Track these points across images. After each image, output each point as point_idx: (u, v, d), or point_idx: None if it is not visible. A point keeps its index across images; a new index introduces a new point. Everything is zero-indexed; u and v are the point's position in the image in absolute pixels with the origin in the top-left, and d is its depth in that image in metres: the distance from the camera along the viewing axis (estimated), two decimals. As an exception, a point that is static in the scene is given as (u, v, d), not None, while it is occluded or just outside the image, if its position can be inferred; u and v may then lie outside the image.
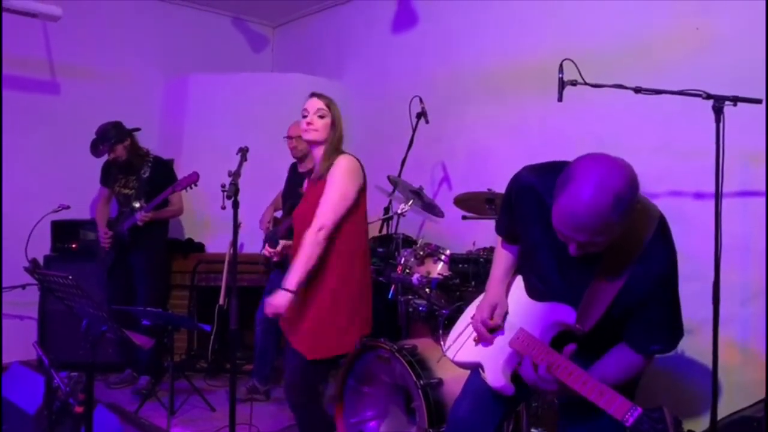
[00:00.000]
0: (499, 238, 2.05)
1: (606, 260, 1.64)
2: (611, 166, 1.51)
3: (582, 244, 1.55)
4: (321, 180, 2.60)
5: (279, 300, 2.49)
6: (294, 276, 2.49)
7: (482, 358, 1.93)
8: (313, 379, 2.65)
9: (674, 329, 1.71)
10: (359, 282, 2.66)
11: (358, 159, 2.66)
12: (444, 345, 2.13)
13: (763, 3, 2.95)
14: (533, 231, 1.80)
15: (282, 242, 2.73)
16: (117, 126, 4.10)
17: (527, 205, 1.80)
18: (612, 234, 1.52)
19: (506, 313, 1.93)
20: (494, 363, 1.87)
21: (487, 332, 1.91)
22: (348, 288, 2.61)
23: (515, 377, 1.85)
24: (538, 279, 1.85)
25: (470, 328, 2.00)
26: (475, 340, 1.97)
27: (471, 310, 2.06)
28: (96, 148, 4.07)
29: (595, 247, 1.56)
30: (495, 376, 1.86)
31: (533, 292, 1.87)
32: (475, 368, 1.96)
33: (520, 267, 1.98)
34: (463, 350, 2.02)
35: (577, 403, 1.66)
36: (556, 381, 1.66)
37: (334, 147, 2.63)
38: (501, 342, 1.89)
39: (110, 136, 4.03)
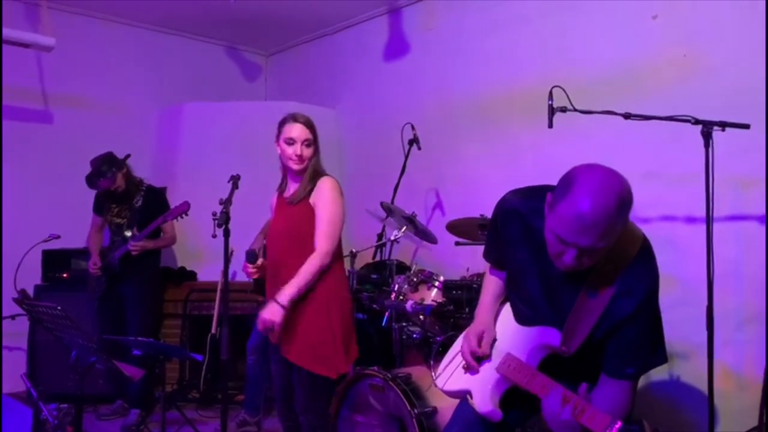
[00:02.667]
0: (488, 265, 2.05)
1: (591, 281, 1.63)
2: (609, 171, 1.54)
3: (582, 251, 1.51)
4: (303, 201, 2.63)
5: (272, 314, 2.49)
6: (289, 291, 2.50)
7: (470, 384, 1.92)
8: (326, 395, 2.69)
9: (651, 353, 1.66)
10: (347, 298, 2.76)
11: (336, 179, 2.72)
12: (434, 374, 2.11)
13: (751, 30, 3.00)
14: (519, 255, 1.79)
15: (261, 259, 2.71)
16: (112, 156, 4.08)
17: (512, 228, 1.80)
18: (610, 241, 1.51)
19: (494, 340, 1.92)
20: (482, 389, 1.87)
21: (474, 361, 1.90)
22: (342, 304, 2.68)
23: (506, 403, 1.83)
24: (524, 303, 1.84)
25: (459, 357, 1.99)
26: (464, 368, 1.97)
27: (462, 338, 2.05)
28: (94, 181, 4.02)
29: (591, 257, 1.54)
30: (482, 401, 1.85)
31: (520, 317, 1.87)
32: (465, 396, 1.95)
33: (507, 293, 1.97)
34: (452, 379, 2.01)
35: None
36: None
37: (316, 168, 2.67)
38: (489, 368, 1.89)
39: (109, 167, 4.00)
